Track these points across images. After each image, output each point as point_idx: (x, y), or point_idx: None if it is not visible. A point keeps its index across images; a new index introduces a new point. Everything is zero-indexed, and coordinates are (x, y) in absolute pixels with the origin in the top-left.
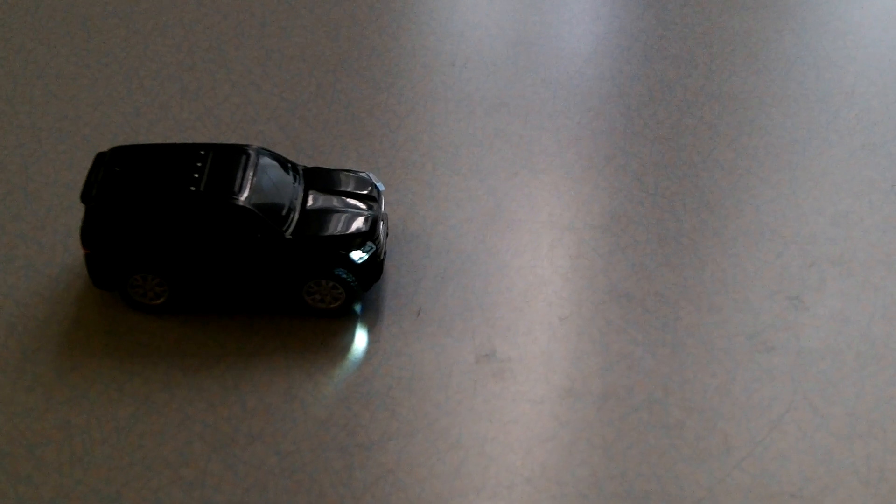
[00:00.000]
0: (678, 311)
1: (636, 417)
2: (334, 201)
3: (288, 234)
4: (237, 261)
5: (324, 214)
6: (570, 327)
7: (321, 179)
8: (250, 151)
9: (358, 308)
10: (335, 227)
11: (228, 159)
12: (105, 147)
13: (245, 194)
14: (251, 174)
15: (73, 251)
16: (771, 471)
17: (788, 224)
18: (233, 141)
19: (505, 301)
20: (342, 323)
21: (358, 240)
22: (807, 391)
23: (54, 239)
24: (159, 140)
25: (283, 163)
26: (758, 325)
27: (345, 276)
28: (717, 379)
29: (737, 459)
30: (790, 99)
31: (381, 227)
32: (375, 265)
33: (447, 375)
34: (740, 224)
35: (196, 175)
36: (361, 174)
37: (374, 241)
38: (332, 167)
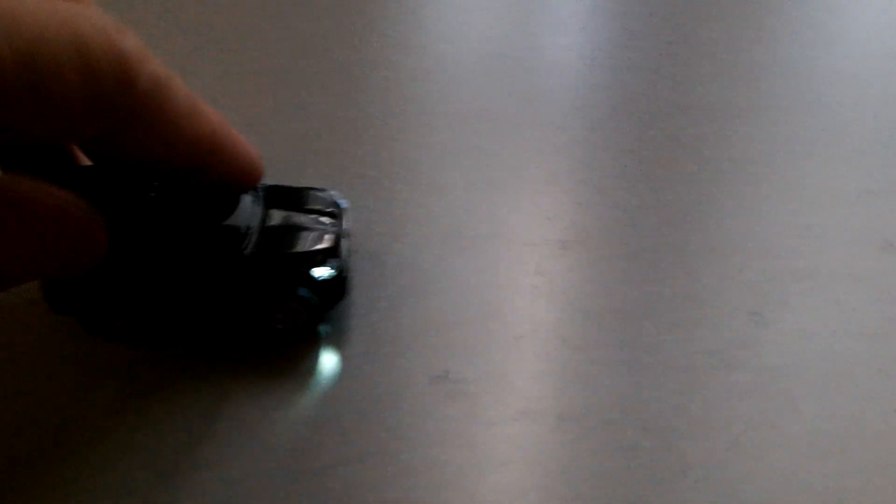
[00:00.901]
0: (637, 328)
1: (592, 439)
2: (295, 219)
3: (246, 252)
4: (195, 284)
5: (284, 232)
6: (527, 347)
7: (282, 197)
8: None
9: (323, 330)
10: (296, 244)
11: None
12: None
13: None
14: None
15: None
16: (729, 492)
17: (751, 238)
18: None
19: (461, 320)
20: (296, 345)
21: (319, 257)
22: (766, 409)
23: None
24: None
25: None
26: (718, 343)
27: (307, 295)
28: (674, 398)
29: (693, 480)
30: (756, 110)
31: (344, 244)
32: (339, 284)
33: (400, 398)
34: (703, 238)
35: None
36: (324, 191)
37: (337, 259)
38: (292, 184)
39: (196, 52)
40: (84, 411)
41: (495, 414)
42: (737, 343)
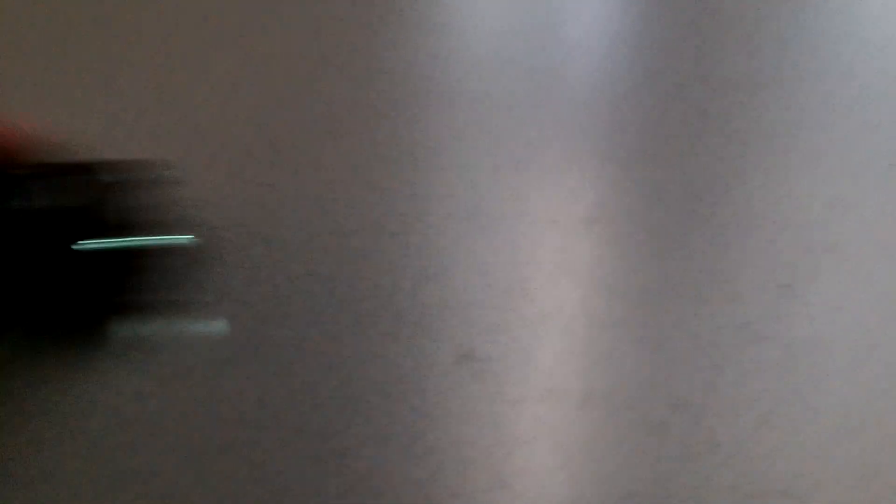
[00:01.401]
0: (665, 304)
1: (619, 417)
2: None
3: None
4: None
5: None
6: (552, 325)
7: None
8: None
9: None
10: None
11: None
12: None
13: None
14: None
15: None
16: (760, 468)
17: (781, 210)
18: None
19: (485, 299)
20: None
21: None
22: (797, 384)
23: None
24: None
25: None
26: (747, 316)
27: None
28: (703, 373)
29: (724, 457)
30: (784, 80)
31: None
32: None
33: (424, 378)
34: (731, 212)
35: None
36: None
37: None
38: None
39: (217, 38)
40: (109, 398)
41: (521, 392)
42: (766, 317)
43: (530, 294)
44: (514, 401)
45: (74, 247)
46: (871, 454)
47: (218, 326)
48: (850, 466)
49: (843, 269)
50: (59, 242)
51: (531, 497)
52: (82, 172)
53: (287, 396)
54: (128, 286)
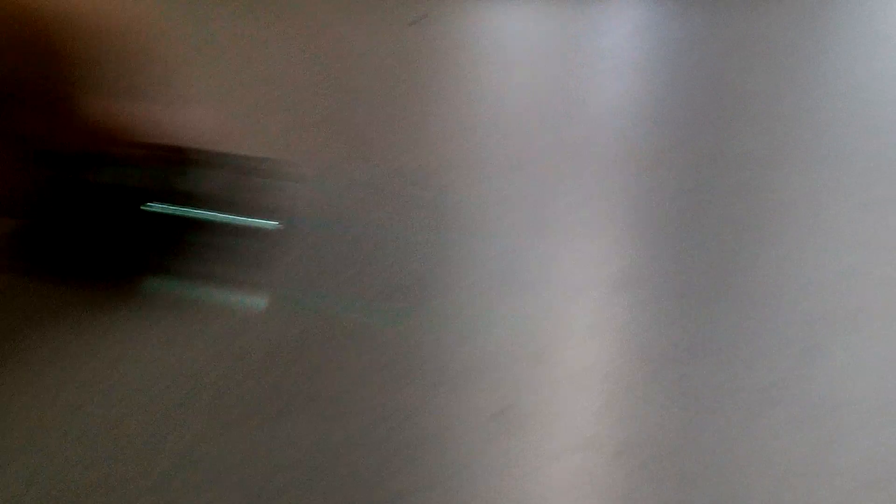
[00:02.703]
0: (691, 366)
1: (648, 472)
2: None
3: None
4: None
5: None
6: (585, 384)
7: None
8: None
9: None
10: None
11: None
12: None
13: None
14: None
15: None
16: None
17: (800, 277)
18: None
19: (520, 359)
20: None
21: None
22: (818, 440)
23: None
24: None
25: None
26: (769, 378)
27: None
28: (729, 431)
29: None
30: (793, 159)
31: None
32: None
33: (462, 432)
34: (751, 279)
35: None
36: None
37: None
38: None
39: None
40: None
41: (555, 447)
42: (787, 379)
43: (563, 356)
44: (549, 455)
45: (143, 207)
46: None
47: (256, 302)
48: None
49: (863, 333)
50: (130, 202)
51: None
52: (179, 156)
53: (341, 441)
54: (181, 251)
